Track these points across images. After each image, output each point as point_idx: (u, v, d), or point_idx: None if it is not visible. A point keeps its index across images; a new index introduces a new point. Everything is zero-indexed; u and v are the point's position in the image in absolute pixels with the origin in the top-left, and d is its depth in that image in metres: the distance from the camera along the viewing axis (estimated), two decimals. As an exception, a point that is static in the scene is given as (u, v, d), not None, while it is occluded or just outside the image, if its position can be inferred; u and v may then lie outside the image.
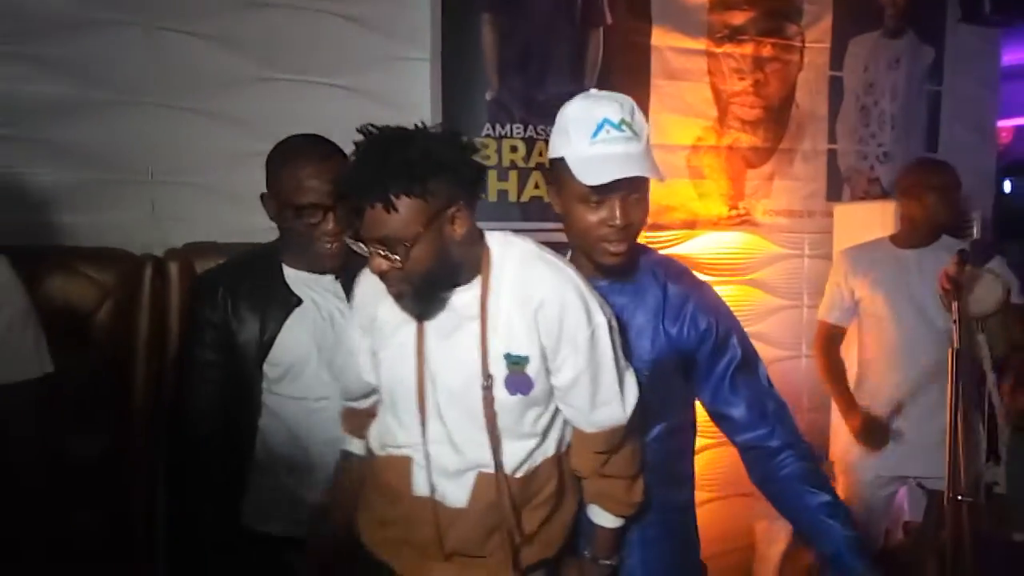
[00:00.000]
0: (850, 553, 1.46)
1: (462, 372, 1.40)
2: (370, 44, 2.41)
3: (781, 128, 3.15)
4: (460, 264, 1.38)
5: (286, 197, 1.66)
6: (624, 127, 1.39)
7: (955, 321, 2.23)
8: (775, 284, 3.17)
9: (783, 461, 1.51)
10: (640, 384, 1.46)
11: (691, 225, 2.96)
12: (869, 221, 2.91)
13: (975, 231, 3.13)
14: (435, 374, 1.42)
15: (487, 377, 1.38)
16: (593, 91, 1.47)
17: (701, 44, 2.96)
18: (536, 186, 2.64)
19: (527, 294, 1.38)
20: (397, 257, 1.31)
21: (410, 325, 1.43)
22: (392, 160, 1.29)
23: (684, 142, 2.94)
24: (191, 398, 1.72)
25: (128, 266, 2.02)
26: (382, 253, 1.32)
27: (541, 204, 2.61)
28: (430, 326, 1.42)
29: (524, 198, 2.65)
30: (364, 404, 1.60)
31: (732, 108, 3.03)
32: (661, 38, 2.88)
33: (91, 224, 2.09)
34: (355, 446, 1.62)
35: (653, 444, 1.53)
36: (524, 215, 2.62)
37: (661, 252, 1.62)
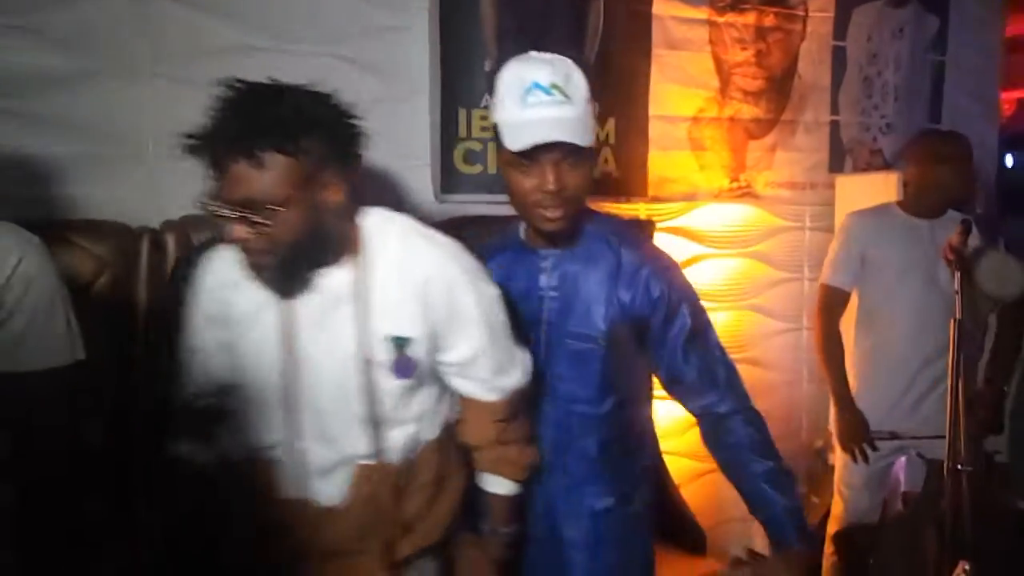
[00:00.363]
0: (785, 521, 1.46)
1: (338, 359, 1.31)
2: (367, 13, 2.37)
3: (783, 99, 3.12)
4: (331, 238, 1.28)
5: None
6: (555, 91, 1.36)
7: (957, 292, 2.22)
8: (776, 256, 3.16)
9: (731, 427, 1.51)
10: (594, 352, 1.48)
11: (692, 197, 2.95)
12: (871, 193, 2.88)
13: (977, 206, 3.11)
14: (305, 364, 1.32)
15: (369, 362, 1.31)
16: (533, 54, 1.43)
17: (703, 13, 2.92)
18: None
19: (411, 272, 1.32)
20: (263, 221, 1.19)
21: (272, 311, 1.32)
22: (263, 113, 1.18)
23: (685, 113, 2.92)
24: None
25: (125, 239, 2.00)
26: (245, 217, 1.19)
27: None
28: (299, 312, 1.31)
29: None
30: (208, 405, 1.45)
31: (734, 78, 3.00)
32: (662, 7, 2.84)
33: (87, 197, 2.07)
34: (201, 454, 1.44)
35: (609, 416, 1.53)
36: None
37: (616, 217, 1.62)
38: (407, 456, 1.39)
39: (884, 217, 2.65)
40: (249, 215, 1.19)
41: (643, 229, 2.73)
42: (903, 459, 2.71)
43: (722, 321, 3.00)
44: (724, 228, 3.03)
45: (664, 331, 1.50)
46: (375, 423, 1.34)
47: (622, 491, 1.57)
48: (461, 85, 2.51)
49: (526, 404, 1.49)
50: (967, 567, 1.88)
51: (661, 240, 2.81)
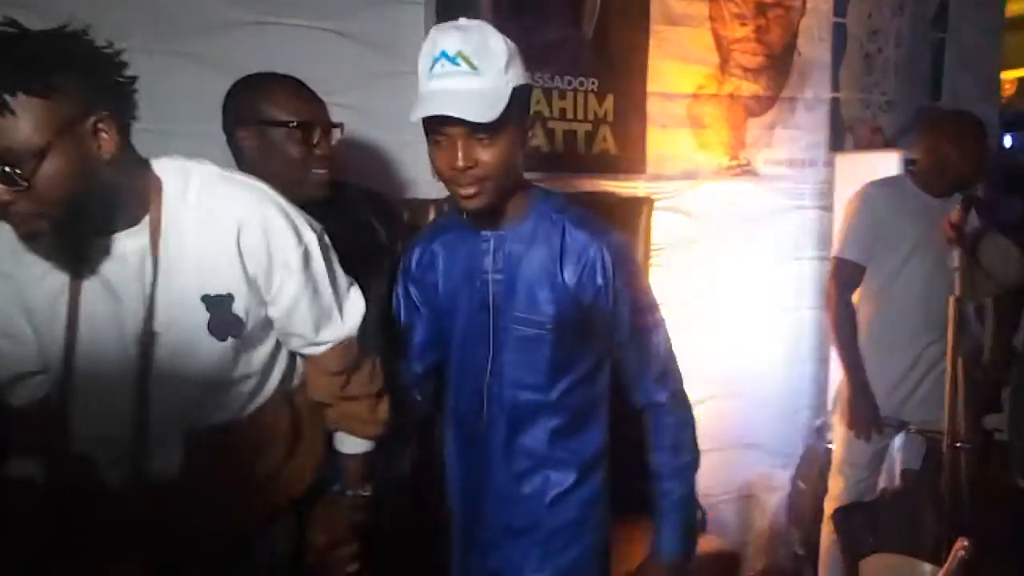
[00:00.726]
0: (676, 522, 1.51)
1: (120, 329, 1.20)
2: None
3: (783, 76, 3.09)
4: (115, 194, 1.15)
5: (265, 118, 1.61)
6: (460, 60, 1.28)
7: (957, 269, 2.21)
8: (776, 235, 3.14)
9: (661, 419, 1.52)
10: (542, 337, 1.44)
11: (692, 175, 2.92)
12: (872, 171, 2.86)
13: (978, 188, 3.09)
14: (91, 338, 1.20)
15: (180, 328, 1.20)
16: (459, 22, 1.33)
17: (702, -11, 2.88)
18: (535, 137, 2.59)
19: (220, 221, 1.21)
20: (20, 174, 1.03)
21: (56, 283, 1.19)
22: (5, 53, 1.04)
23: (685, 90, 2.88)
24: None
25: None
26: (1, 174, 1.04)
27: (540, 154, 2.56)
28: (89, 286, 1.19)
29: (522, 147, 2.59)
30: (29, 395, 1.31)
31: (734, 55, 2.96)
32: (661, -18, 2.80)
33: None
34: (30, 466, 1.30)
35: (561, 399, 1.49)
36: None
37: (562, 194, 1.54)
38: (248, 416, 1.32)
39: (900, 190, 2.60)
40: (5, 170, 1.04)
41: (641, 207, 2.72)
42: (901, 436, 2.70)
43: (723, 302, 2.98)
44: (724, 206, 3.00)
45: (608, 316, 1.46)
46: (204, 389, 1.25)
47: (576, 474, 1.54)
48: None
49: (370, 355, 1.43)
50: (966, 544, 1.88)
51: (661, 219, 2.81)
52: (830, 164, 3.17)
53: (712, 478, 2.84)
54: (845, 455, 2.68)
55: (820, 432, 3.06)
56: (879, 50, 3.31)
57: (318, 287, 1.32)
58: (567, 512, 1.53)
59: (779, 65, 3.08)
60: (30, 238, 1.13)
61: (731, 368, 2.97)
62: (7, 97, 1.02)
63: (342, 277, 1.38)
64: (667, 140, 2.84)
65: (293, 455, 1.40)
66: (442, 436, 1.63)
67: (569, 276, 1.43)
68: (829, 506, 2.72)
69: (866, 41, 3.28)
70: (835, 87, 3.22)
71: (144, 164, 1.22)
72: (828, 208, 3.12)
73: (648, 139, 2.79)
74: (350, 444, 1.47)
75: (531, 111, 1.41)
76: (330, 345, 1.37)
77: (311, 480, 1.43)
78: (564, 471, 1.52)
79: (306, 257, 1.29)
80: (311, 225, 1.32)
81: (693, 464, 1.54)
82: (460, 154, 1.31)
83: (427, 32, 2.36)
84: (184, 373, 1.23)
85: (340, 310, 1.37)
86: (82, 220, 1.13)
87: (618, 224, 2.64)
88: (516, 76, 1.33)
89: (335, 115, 1.72)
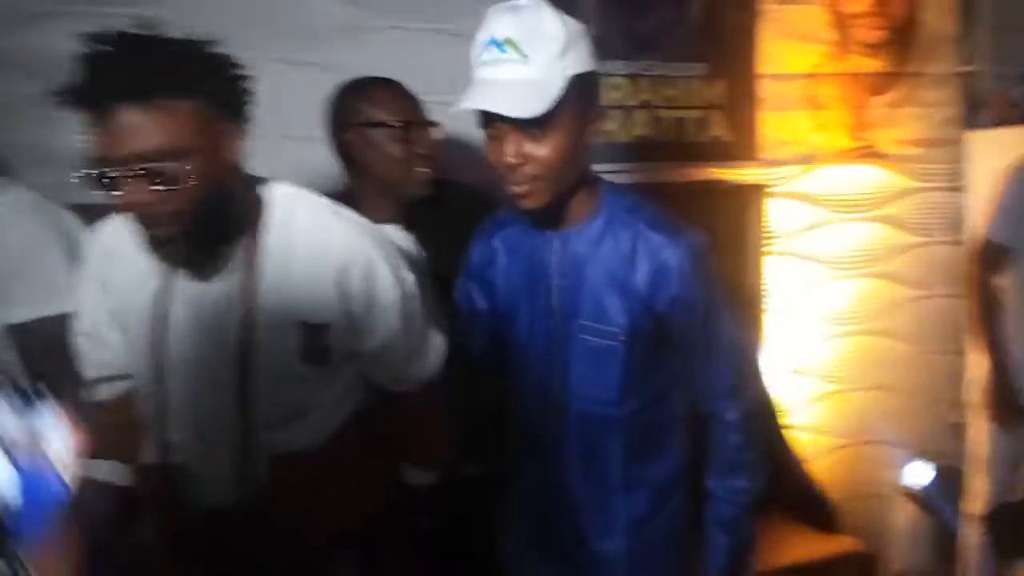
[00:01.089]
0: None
1: (225, 345, 1.20)
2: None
3: (908, 50, 2.90)
4: (234, 204, 1.17)
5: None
6: (508, 47, 1.17)
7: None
8: (906, 219, 2.94)
9: (726, 436, 1.39)
10: (613, 349, 1.33)
11: (809, 159, 2.78)
12: (1009, 148, 2.65)
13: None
14: (176, 349, 1.21)
15: (274, 348, 1.20)
16: (516, 1, 1.22)
17: (814, -38, 2.75)
18: (642, 125, 2.52)
19: (326, 256, 1.22)
20: (165, 174, 1.05)
21: (152, 286, 1.21)
22: (155, 54, 1.06)
23: (799, 70, 2.75)
24: None
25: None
26: (146, 174, 1.05)
27: (649, 144, 2.50)
28: (188, 296, 1.20)
29: (628, 138, 2.51)
30: (110, 394, 1.33)
31: (852, 30, 2.80)
32: (769, -41, 2.69)
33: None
34: (103, 470, 1.32)
35: (632, 418, 1.38)
36: (629, 156, 2.49)
37: (633, 192, 1.41)
38: (325, 443, 1.31)
39: None
40: (153, 169, 1.04)
41: (755, 194, 2.63)
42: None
43: (847, 291, 2.84)
44: (846, 191, 2.85)
45: (685, 325, 1.34)
46: (292, 411, 1.26)
47: (655, 497, 1.43)
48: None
49: (441, 392, 1.40)
50: None
51: (777, 205, 2.70)
52: (961, 142, 2.95)
53: (844, 475, 2.71)
54: (989, 452, 2.50)
55: (955, 430, 2.87)
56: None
57: (412, 327, 1.33)
58: (643, 537, 1.43)
59: (902, 39, 2.89)
60: (160, 243, 1.13)
61: (856, 361, 2.80)
62: (155, 98, 1.04)
63: (428, 317, 1.38)
64: (782, 123, 2.73)
65: (363, 484, 1.39)
66: (504, 446, 1.55)
67: (642, 281, 1.30)
68: (973, 507, 2.54)
69: (997, 9, 3.04)
70: (965, 60, 3.00)
71: (256, 179, 1.25)
72: (960, 189, 2.91)
73: (761, 123, 2.68)
74: (415, 476, 1.45)
75: (598, 99, 1.29)
76: (414, 382, 1.38)
77: (372, 512, 1.42)
78: (639, 494, 1.42)
79: (404, 299, 1.30)
80: (408, 267, 1.33)
81: (750, 491, 1.40)
82: (508, 149, 1.21)
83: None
84: (274, 395, 1.23)
85: (427, 349, 1.37)
86: (206, 227, 1.14)
87: (731, 213, 2.62)
88: (576, 63, 1.21)
89: (437, 114, 1.72)
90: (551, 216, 1.33)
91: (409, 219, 1.68)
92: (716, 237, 2.55)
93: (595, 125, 1.28)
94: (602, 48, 2.45)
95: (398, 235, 1.63)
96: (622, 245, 1.31)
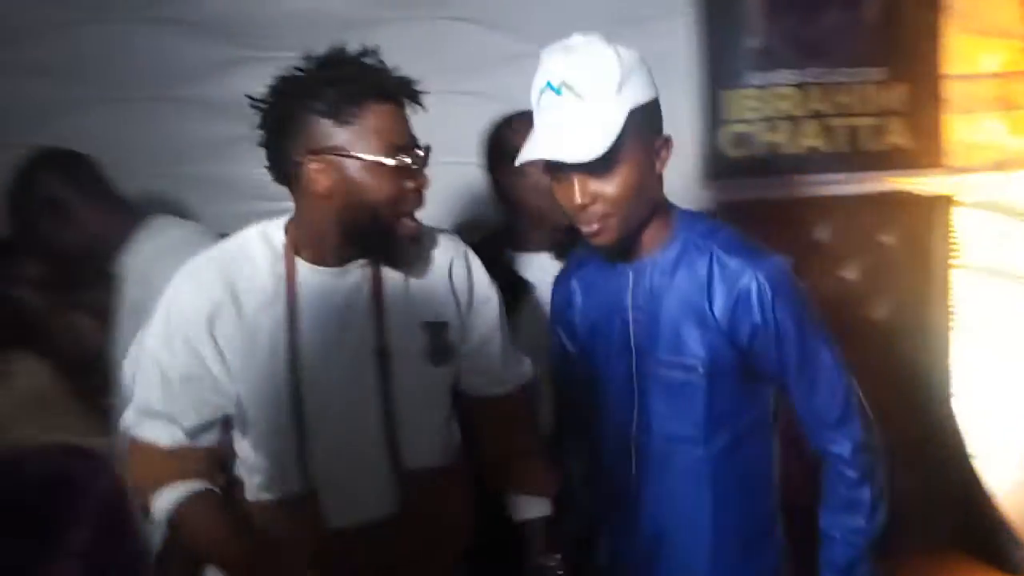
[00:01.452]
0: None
1: (355, 354, 1.21)
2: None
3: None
4: None
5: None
6: (564, 90, 1.15)
7: None
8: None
9: (838, 471, 1.30)
10: (693, 384, 1.26)
11: (1003, 166, 2.59)
12: None
13: None
14: (310, 355, 1.20)
15: (407, 353, 1.23)
16: (568, 40, 1.20)
17: (1004, -50, 2.56)
18: (812, 136, 2.46)
19: (437, 253, 1.29)
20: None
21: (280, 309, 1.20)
22: (368, 75, 1.17)
23: (988, 68, 2.57)
24: None
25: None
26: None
27: (819, 155, 2.43)
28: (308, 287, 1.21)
29: (796, 149, 2.45)
30: (205, 442, 1.23)
31: (1049, 23, 2.57)
32: (952, -49, 2.53)
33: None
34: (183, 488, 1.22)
35: (721, 456, 1.29)
36: (798, 168, 2.42)
37: (707, 217, 1.36)
38: (449, 463, 1.31)
39: None
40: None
41: (941, 204, 2.47)
42: None
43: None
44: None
45: (772, 357, 1.26)
46: (426, 417, 1.28)
47: (747, 541, 1.35)
48: (723, 65, 2.42)
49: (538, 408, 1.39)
50: None
51: (966, 217, 2.53)
52: None
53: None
54: None
55: None
56: None
57: (505, 325, 1.36)
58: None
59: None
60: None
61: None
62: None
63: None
64: (971, 127, 2.56)
65: (467, 508, 1.37)
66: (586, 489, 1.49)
67: (720, 311, 1.25)
68: None
69: None
70: None
71: None
72: None
73: (947, 128, 2.52)
74: (533, 507, 1.39)
75: (661, 127, 1.25)
76: (514, 384, 1.38)
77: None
78: (729, 537, 1.34)
79: (497, 295, 1.35)
80: None
81: (869, 530, 1.30)
82: (575, 191, 1.19)
83: (700, 53, 2.35)
84: (411, 400, 1.24)
85: (519, 354, 1.39)
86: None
87: (914, 225, 2.48)
88: (635, 95, 1.18)
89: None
90: (624, 249, 1.30)
91: (561, 248, 1.67)
92: (897, 252, 2.45)
93: (663, 154, 1.25)
94: (767, 59, 2.42)
95: (550, 264, 1.65)
96: (698, 273, 1.27)
